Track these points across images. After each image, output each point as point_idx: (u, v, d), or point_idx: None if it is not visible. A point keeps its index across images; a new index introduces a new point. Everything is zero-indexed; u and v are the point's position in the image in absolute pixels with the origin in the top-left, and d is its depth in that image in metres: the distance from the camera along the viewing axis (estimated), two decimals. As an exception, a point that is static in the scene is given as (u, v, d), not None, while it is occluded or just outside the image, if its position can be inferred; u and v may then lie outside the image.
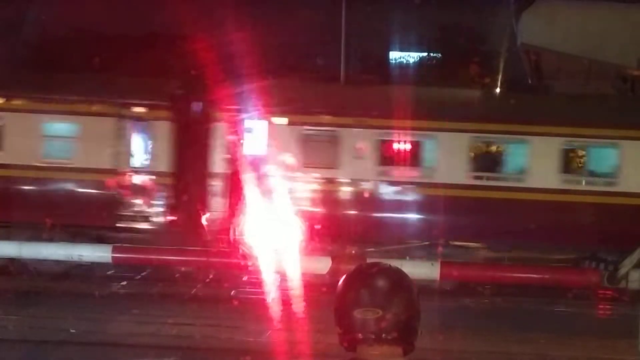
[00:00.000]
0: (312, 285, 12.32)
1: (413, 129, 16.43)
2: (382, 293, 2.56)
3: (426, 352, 2.76)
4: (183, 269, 15.28)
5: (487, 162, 16.95)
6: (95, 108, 16.88)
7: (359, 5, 24.12)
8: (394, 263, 2.78)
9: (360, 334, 2.55)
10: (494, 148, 17.15)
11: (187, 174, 16.87)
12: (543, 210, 16.14)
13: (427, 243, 16.32)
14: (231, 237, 14.94)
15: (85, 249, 11.77)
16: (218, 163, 16.85)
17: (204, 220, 16.64)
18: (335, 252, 14.31)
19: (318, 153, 16.66)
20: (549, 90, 18.48)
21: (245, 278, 13.09)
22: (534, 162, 16.63)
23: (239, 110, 16.95)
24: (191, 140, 16.92)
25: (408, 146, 16.85)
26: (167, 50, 19.42)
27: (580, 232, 15.54)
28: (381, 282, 2.59)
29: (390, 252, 15.93)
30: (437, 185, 16.45)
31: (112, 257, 11.41)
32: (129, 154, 17.12)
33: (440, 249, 16.03)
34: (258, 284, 11.14)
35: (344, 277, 2.68)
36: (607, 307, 13.91)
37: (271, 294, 10.07)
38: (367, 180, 16.69)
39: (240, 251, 10.33)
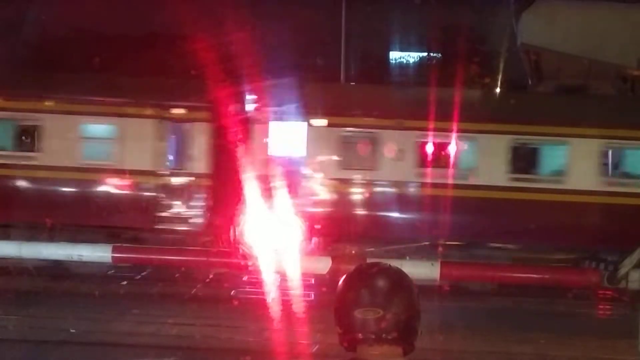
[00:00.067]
0: (313, 285, 12.36)
1: (452, 130, 16.53)
2: (383, 293, 2.56)
3: (426, 352, 2.76)
4: (183, 268, 15.31)
5: (526, 163, 16.93)
6: (134, 110, 16.82)
7: (359, 5, 24.11)
8: (394, 263, 2.78)
9: (360, 334, 2.55)
10: (533, 150, 17.10)
11: (225, 175, 16.84)
12: (583, 212, 16.09)
13: (427, 243, 16.33)
14: (231, 237, 14.95)
15: (85, 249, 11.77)
16: (257, 165, 16.87)
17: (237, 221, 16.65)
18: (335, 252, 14.34)
19: (357, 155, 16.69)
20: (586, 91, 18.45)
21: (245, 278, 13.10)
22: (574, 163, 16.63)
23: (278, 112, 16.98)
24: (230, 141, 16.93)
25: (447, 148, 16.90)
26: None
27: (622, 234, 15.41)
28: (381, 282, 2.59)
29: (390, 252, 15.93)
30: (476, 187, 16.48)
31: (112, 257, 11.43)
32: (168, 156, 17.06)
33: (440, 249, 16.04)
34: (258, 284, 11.15)
35: (344, 277, 2.68)
36: (607, 307, 13.91)
37: (271, 294, 10.07)
38: (406, 182, 16.70)
39: (241, 251, 10.35)
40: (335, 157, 16.70)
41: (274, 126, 16.93)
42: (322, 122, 16.84)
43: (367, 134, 16.77)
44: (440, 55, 29.43)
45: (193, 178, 16.92)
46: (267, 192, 16.68)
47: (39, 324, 11.85)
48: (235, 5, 21.14)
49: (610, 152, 16.82)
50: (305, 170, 16.70)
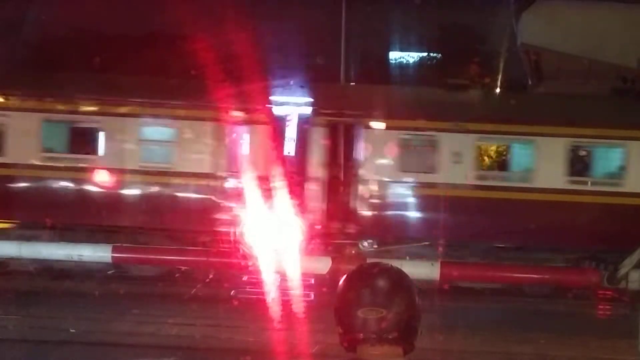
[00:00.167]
0: (313, 285, 12.35)
1: (511, 133, 16.56)
2: (385, 293, 2.57)
3: (426, 352, 2.76)
4: (183, 268, 15.31)
5: (583, 166, 16.95)
6: (192, 113, 16.82)
7: (359, 5, 24.12)
8: (394, 263, 2.79)
9: (362, 334, 2.56)
10: (590, 152, 17.11)
11: (283, 178, 16.86)
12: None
13: (427, 243, 16.34)
14: (232, 237, 14.98)
15: (85, 249, 11.79)
16: (314, 167, 16.90)
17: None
18: (335, 252, 14.35)
19: (416, 157, 16.73)
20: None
21: (245, 278, 13.10)
22: (631, 166, 16.62)
23: (336, 115, 17.02)
24: (287, 144, 16.94)
25: (505, 150, 16.95)
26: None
27: None
28: (383, 282, 2.60)
29: (390, 252, 15.94)
30: (535, 190, 16.48)
31: (112, 257, 11.44)
32: (227, 158, 17.04)
33: (440, 249, 16.05)
34: (258, 284, 11.15)
35: (345, 277, 2.69)
36: (607, 307, 13.90)
37: (271, 294, 10.08)
38: (465, 185, 16.70)
39: (241, 251, 10.36)
40: (393, 160, 16.73)
41: (331, 129, 16.98)
42: (380, 125, 16.86)
43: (425, 137, 16.82)
44: (440, 55, 29.45)
45: (252, 180, 16.89)
46: (323, 194, 16.83)
47: (39, 323, 11.84)
48: (237, 6, 21.15)
49: None
50: (363, 173, 16.74)
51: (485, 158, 17.15)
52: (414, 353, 2.64)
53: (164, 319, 12.48)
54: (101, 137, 16.85)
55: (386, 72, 26.81)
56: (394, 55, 29.42)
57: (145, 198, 16.78)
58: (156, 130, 17.21)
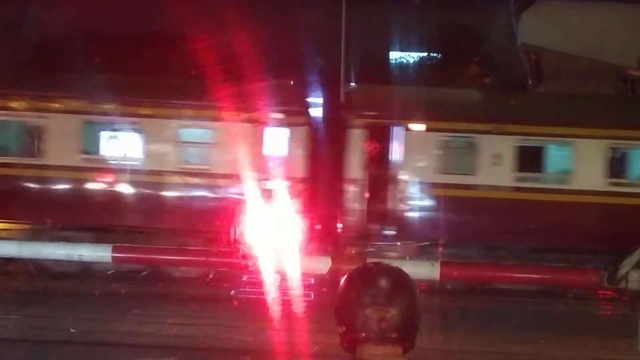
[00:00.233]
0: (312, 285, 12.35)
1: (550, 135, 16.60)
2: (388, 292, 2.57)
3: (426, 352, 2.76)
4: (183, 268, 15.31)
5: (623, 168, 16.97)
6: (230, 115, 16.75)
7: (359, 5, 24.10)
8: (394, 263, 2.79)
9: (363, 333, 2.56)
10: (629, 154, 17.12)
11: (322, 179, 16.87)
12: None
13: (427, 243, 16.35)
14: (231, 237, 14.98)
15: (85, 248, 11.79)
16: (354, 169, 16.92)
17: (340, 226, 16.73)
18: (335, 252, 14.33)
19: (455, 159, 16.77)
20: None
21: (245, 278, 13.10)
22: None
23: (376, 116, 17.09)
24: (326, 146, 16.97)
25: (544, 152, 16.95)
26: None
27: None
28: (386, 281, 2.60)
29: (390, 252, 15.96)
30: (574, 192, 16.50)
31: (112, 256, 11.43)
32: (265, 160, 17.03)
33: (440, 249, 16.06)
34: (258, 284, 11.14)
35: (346, 276, 2.68)
36: (607, 307, 13.91)
37: (271, 294, 10.08)
38: (504, 187, 16.74)
39: (241, 251, 10.35)
40: (432, 162, 16.77)
41: (370, 131, 17.03)
42: (420, 126, 16.87)
43: (465, 139, 16.85)
44: (440, 55, 29.44)
45: (289, 182, 16.94)
46: (363, 196, 16.87)
47: (39, 323, 11.84)
48: (236, 5, 21.11)
49: None
50: (402, 175, 16.78)
51: (524, 160, 17.12)
52: (414, 353, 2.64)
53: (164, 318, 12.48)
54: (141, 138, 16.85)
55: (386, 72, 26.79)
56: (394, 55, 29.41)
57: (184, 200, 16.78)
58: (195, 132, 17.20)
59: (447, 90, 18.21)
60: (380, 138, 17.09)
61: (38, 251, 12.13)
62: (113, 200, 16.69)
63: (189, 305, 13.59)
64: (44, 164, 16.85)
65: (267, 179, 16.76)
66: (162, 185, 16.87)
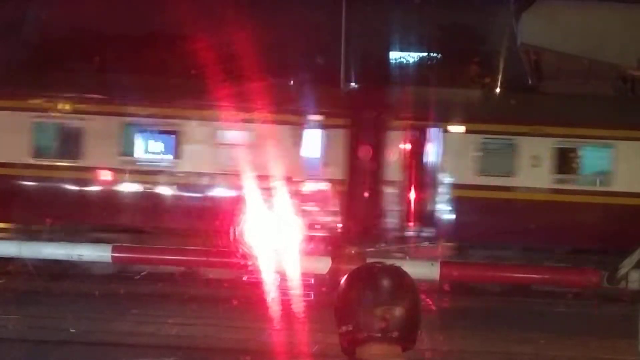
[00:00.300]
0: (312, 285, 12.35)
1: (589, 137, 16.66)
2: (389, 292, 2.57)
3: (426, 352, 2.76)
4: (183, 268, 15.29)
5: None
6: (271, 116, 16.82)
7: (359, 5, 24.09)
8: (394, 263, 2.79)
9: (364, 333, 2.55)
10: None
11: (361, 181, 16.89)
12: None
13: (427, 243, 16.35)
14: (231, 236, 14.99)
15: (85, 248, 11.76)
16: (392, 170, 16.89)
17: (377, 227, 16.75)
18: (335, 252, 14.33)
19: (494, 161, 16.78)
20: None
21: (245, 278, 13.09)
22: None
23: (414, 118, 17.11)
24: (365, 147, 16.99)
25: (584, 154, 17.00)
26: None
27: None
28: (387, 281, 2.60)
29: (390, 252, 15.95)
30: (615, 194, 16.53)
31: (112, 256, 11.40)
32: (304, 162, 17.06)
33: (440, 249, 16.07)
34: (258, 283, 11.14)
35: (347, 276, 2.68)
36: (607, 307, 13.91)
37: (271, 294, 10.07)
38: (543, 188, 16.76)
39: (240, 251, 10.33)
40: (471, 163, 16.78)
41: (410, 132, 17.11)
42: (459, 128, 16.85)
43: (504, 140, 16.90)
44: (440, 55, 29.43)
45: (329, 184, 16.88)
46: (401, 197, 16.89)
47: (39, 323, 11.84)
48: (236, 5, 21.10)
49: None
50: (441, 176, 16.83)
51: (563, 161, 17.12)
52: (414, 353, 2.63)
53: (164, 318, 12.48)
54: (180, 140, 16.79)
55: (386, 72, 26.78)
56: (394, 55, 29.39)
57: (223, 201, 16.76)
58: (234, 134, 17.18)
59: (485, 92, 18.25)
60: (419, 140, 17.21)
61: (38, 251, 12.10)
62: (149, 202, 16.64)
63: (188, 305, 13.59)
64: (84, 165, 16.83)
65: (305, 181, 16.79)
66: (201, 188, 16.82)
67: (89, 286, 14.63)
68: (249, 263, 10.15)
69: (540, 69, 19.40)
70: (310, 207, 16.73)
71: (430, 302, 12.98)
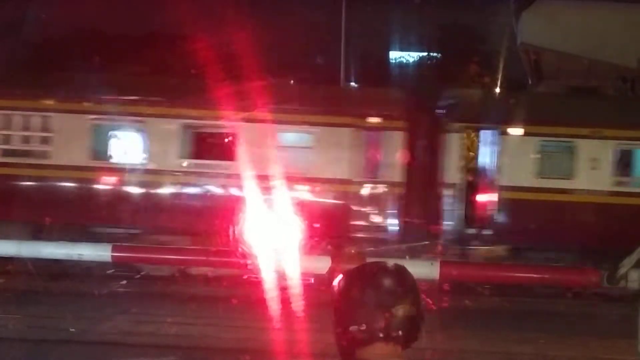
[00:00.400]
0: (312, 284, 12.33)
1: None
2: (391, 291, 2.56)
3: (426, 352, 2.76)
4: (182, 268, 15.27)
5: None
6: (331, 119, 16.82)
7: (359, 5, 24.10)
8: (393, 262, 2.77)
9: (366, 333, 2.54)
10: None
11: (419, 183, 16.91)
12: None
13: (427, 243, 16.35)
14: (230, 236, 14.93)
15: (85, 248, 11.75)
16: (450, 173, 16.91)
17: (435, 229, 16.78)
18: (335, 251, 14.31)
19: (553, 163, 16.84)
20: None
21: (245, 277, 13.08)
22: None
23: (473, 121, 17.18)
24: (423, 150, 17.02)
25: None
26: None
27: None
28: (389, 280, 2.58)
29: (389, 252, 15.94)
30: None
31: (112, 256, 11.40)
32: (363, 164, 17.01)
33: (440, 248, 16.07)
34: (257, 283, 11.13)
35: (348, 276, 2.66)
36: (607, 307, 13.90)
37: (271, 293, 10.06)
38: (602, 191, 16.78)
39: (240, 250, 10.33)
40: (530, 166, 16.82)
41: (468, 135, 17.23)
42: (518, 131, 16.92)
43: (563, 143, 16.91)
44: (440, 55, 29.44)
45: (387, 186, 16.87)
46: (459, 200, 16.90)
47: (39, 323, 11.84)
48: (236, 5, 21.11)
49: None
50: (499, 179, 16.89)
51: (623, 164, 17.12)
52: (414, 353, 2.63)
53: (164, 318, 12.47)
54: (238, 143, 16.81)
55: (386, 72, 26.79)
56: (394, 55, 29.40)
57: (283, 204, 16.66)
58: (294, 136, 17.20)
59: (543, 94, 18.25)
60: (478, 142, 17.28)
61: (37, 251, 12.09)
62: (212, 205, 16.58)
63: (188, 304, 13.58)
64: (146, 168, 16.90)
65: (365, 183, 16.78)
66: (261, 190, 16.75)
67: (89, 285, 14.63)
68: (249, 262, 10.14)
69: (540, 68, 19.40)
70: (369, 209, 16.77)
71: (430, 302, 12.96)
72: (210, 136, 17.21)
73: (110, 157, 17.30)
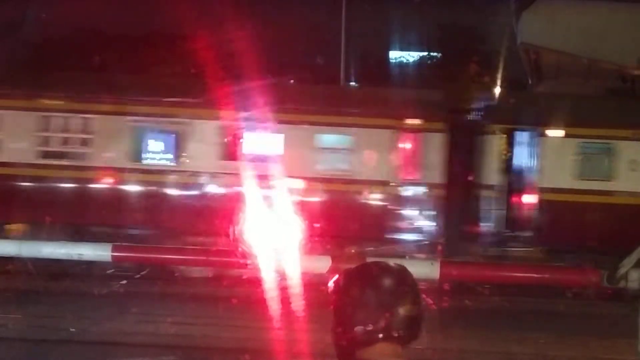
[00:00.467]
0: (312, 284, 12.34)
1: None
2: (392, 291, 2.56)
3: (426, 352, 2.76)
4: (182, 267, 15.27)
5: None
6: (370, 120, 16.78)
7: (359, 5, 24.10)
8: (393, 262, 2.77)
9: (367, 333, 2.54)
10: None
11: (458, 185, 16.91)
12: None
13: (426, 242, 16.36)
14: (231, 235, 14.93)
15: (85, 247, 11.75)
16: (489, 174, 16.91)
17: (474, 231, 16.78)
18: (335, 251, 14.33)
19: (592, 165, 16.83)
20: None
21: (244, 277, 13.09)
22: None
23: (511, 122, 17.21)
24: (462, 151, 17.03)
25: None
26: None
27: None
28: (390, 280, 2.58)
29: (389, 252, 15.94)
30: None
31: (112, 255, 11.40)
32: (402, 166, 17.00)
33: (439, 248, 16.07)
34: (257, 282, 11.13)
35: (348, 276, 2.66)
36: (607, 307, 13.90)
37: (271, 293, 10.06)
38: None
39: (240, 249, 10.33)
40: (569, 167, 16.83)
41: (508, 136, 17.20)
42: (558, 132, 16.90)
43: (602, 145, 16.90)
44: (440, 54, 29.44)
45: (426, 188, 16.87)
46: (499, 201, 16.91)
47: (39, 322, 11.84)
48: (236, 5, 21.09)
49: None
50: (537, 180, 16.93)
51: None
52: (414, 353, 2.63)
53: (163, 317, 12.47)
54: (281, 144, 16.81)
55: (386, 72, 26.78)
56: (394, 55, 29.40)
57: (323, 205, 16.72)
58: (333, 138, 17.17)
59: (581, 96, 18.26)
60: (517, 143, 17.32)
61: (38, 250, 12.10)
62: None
63: (188, 304, 13.58)
64: (184, 169, 16.88)
65: (404, 184, 16.76)
66: (298, 191, 16.78)
67: (89, 285, 14.63)
68: (248, 262, 10.15)
69: (540, 68, 19.40)
70: (408, 211, 16.75)
71: (430, 302, 12.98)
72: (249, 138, 17.16)
73: (149, 158, 17.30)
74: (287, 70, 18.76)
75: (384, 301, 2.53)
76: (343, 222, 16.16)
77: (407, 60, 29.60)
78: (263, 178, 16.59)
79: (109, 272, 15.74)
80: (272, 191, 16.57)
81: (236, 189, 16.72)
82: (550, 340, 11.98)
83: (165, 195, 17.10)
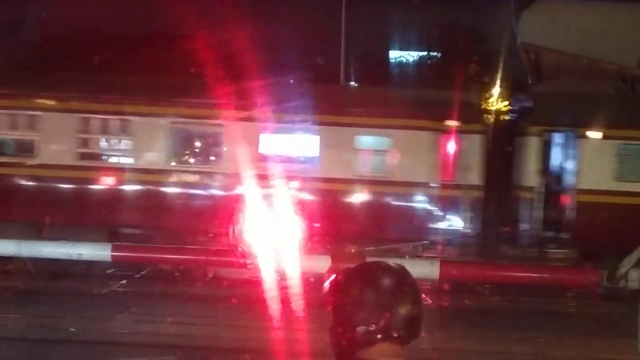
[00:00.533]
0: (312, 284, 12.34)
1: None
2: (393, 291, 2.57)
3: (426, 352, 2.75)
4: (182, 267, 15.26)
5: None
6: (409, 122, 16.74)
7: (359, 5, 24.10)
8: (393, 261, 2.77)
9: (367, 332, 2.53)
10: None
11: (497, 187, 16.91)
12: None
13: (426, 242, 16.34)
14: (230, 235, 14.91)
15: (85, 247, 11.75)
16: (528, 176, 16.93)
17: (512, 233, 16.81)
18: (335, 250, 14.29)
19: (632, 166, 16.83)
20: None
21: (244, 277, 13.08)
22: None
23: (550, 124, 17.19)
24: (501, 153, 17.03)
25: None
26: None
27: None
28: (390, 280, 2.59)
29: (389, 251, 15.93)
30: None
31: (112, 255, 11.40)
32: (441, 167, 16.94)
33: (439, 247, 16.06)
34: (257, 282, 11.13)
35: (348, 275, 2.66)
36: (607, 306, 13.90)
37: (270, 293, 10.06)
38: None
39: (240, 249, 10.33)
40: (609, 169, 16.82)
41: (545, 138, 17.22)
42: (597, 134, 16.94)
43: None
44: (440, 54, 29.43)
45: (465, 190, 16.85)
46: (537, 203, 16.92)
47: (38, 322, 11.83)
48: (236, 4, 21.08)
49: None
50: (575, 182, 16.93)
51: None
52: (414, 352, 2.62)
53: (163, 317, 12.47)
54: (318, 145, 16.78)
55: (386, 72, 26.78)
56: (394, 55, 29.39)
57: (361, 207, 16.70)
58: (371, 139, 17.15)
59: (620, 97, 18.24)
60: (556, 145, 17.37)
61: (37, 250, 12.10)
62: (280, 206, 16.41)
63: (188, 304, 13.58)
64: (216, 171, 16.86)
65: (443, 186, 16.75)
66: (337, 193, 16.75)
67: (88, 285, 14.62)
68: (248, 261, 10.14)
69: (540, 68, 19.40)
70: (446, 213, 16.76)
71: (430, 301, 12.98)
72: (287, 140, 17.14)
73: (187, 159, 17.29)
74: (280, 70, 18.67)
75: (384, 301, 2.53)
76: (377, 224, 16.21)
77: (407, 60, 29.60)
78: (303, 180, 16.61)
79: (108, 272, 15.73)
80: (310, 194, 16.66)
81: (269, 188, 16.65)
82: (550, 340, 11.97)
83: (205, 197, 17.06)
